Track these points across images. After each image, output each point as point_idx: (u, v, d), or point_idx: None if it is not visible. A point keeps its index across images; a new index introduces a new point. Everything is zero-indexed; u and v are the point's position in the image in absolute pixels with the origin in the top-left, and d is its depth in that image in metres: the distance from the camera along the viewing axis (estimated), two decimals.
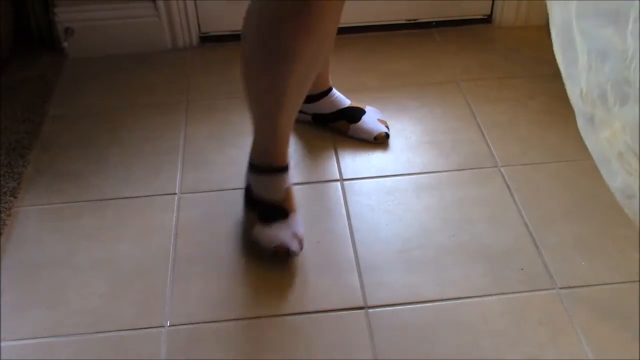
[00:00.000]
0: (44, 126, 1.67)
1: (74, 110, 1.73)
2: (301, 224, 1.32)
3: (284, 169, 1.31)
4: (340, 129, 1.59)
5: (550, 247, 1.32)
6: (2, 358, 1.14)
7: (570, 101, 0.94)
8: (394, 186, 1.47)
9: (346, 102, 1.60)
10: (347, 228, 1.37)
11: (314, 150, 1.57)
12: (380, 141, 1.58)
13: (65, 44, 1.90)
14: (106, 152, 1.58)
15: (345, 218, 1.40)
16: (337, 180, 1.49)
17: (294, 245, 1.27)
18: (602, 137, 0.91)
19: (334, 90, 1.59)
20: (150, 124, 1.67)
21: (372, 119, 1.60)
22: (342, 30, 2.01)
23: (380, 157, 1.56)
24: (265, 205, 1.30)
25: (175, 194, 1.47)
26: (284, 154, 1.30)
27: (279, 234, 1.28)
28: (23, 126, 1.65)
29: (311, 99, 1.55)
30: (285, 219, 1.29)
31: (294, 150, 1.56)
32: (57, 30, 1.91)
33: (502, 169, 1.51)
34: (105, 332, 1.18)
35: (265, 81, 1.17)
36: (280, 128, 1.25)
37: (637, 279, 1.25)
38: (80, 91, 1.81)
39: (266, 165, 1.30)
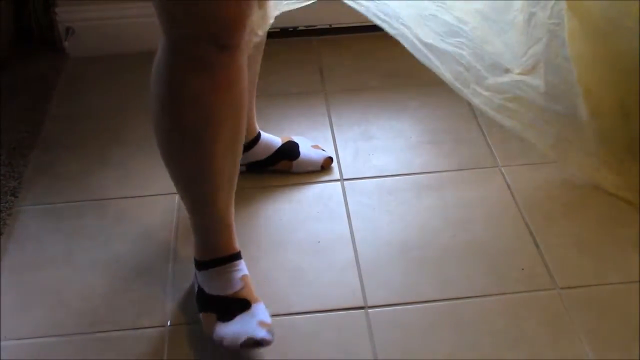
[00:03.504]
0: (45, 126, 1.67)
1: (74, 110, 1.73)
2: (266, 312, 1.15)
3: (234, 256, 1.18)
4: (283, 169, 1.48)
5: (551, 247, 1.32)
6: (2, 357, 1.14)
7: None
8: (394, 186, 1.47)
9: (277, 140, 1.48)
10: (348, 228, 1.37)
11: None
12: (327, 167, 1.51)
13: (66, 44, 1.90)
14: (107, 151, 1.58)
15: (346, 218, 1.40)
16: (337, 180, 1.49)
17: (262, 333, 1.09)
18: (480, 101, 1.33)
19: (263, 134, 1.46)
20: (151, 124, 1.67)
21: (308, 149, 1.51)
22: (343, 30, 2.01)
23: (381, 157, 1.55)
24: (223, 301, 1.15)
25: (175, 193, 1.46)
26: (231, 239, 1.18)
27: (244, 327, 1.11)
28: (24, 126, 1.65)
29: (243, 149, 1.38)
30: (248, 309, 1.14)
31: None
32: (58, 29, 1.91)
33: (502, 168, 1.51)
34: (106, 331, 1.18)
35: (191, 157, 1.06)
36: (220, 212, 1.14)
37: (637, 279, 1.25)
38: (81, 91, 1.81)
39: (214, 258, 1.17)
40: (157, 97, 1.04)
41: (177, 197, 1.45)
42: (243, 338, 1.09)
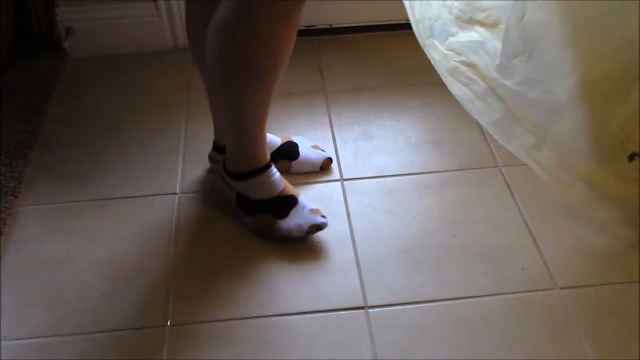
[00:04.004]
0: (45, 126, 1.67)
1: (74, 110, 1.74)
2: (309, 201, 1.35)
3: (270, 162, 1.34)
4: (282, 169, 1.44)
5: (551, 247, 1.32)
6: (2, 357, 1.14)
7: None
8: (394, 186, 1.48)
9: (277, 140, 1.50)
10: (348, 228, 1.37)
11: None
12: (326, 168, 1.51)
13: (66, 44, 1.90)
14: (107, 151, 1.58)
15: (346, 218, 1.40)
16: (337, 180, 1.49)
17: (320, 219, 1.32)
18: (436, 59, 1.27)
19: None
20: (151, 124, 1.67)
21: (308, 149, 1.52)
22: (343, 30, 2.01)
23: (381, 157, 1.56)
24: (273, 201, 1.33)
25: (175, 193, 1.47)
26: (266, 149, 1.34)
27: (303, 218, 1.32)
28: (24, 126, 1.65)
29: None
30: (297, 203, 1.33)
31: None
32: (58, 30, 1.91)
33: (502, 168, 1.51)
34: (105, 331, 1.18)
35: (263, 89, 1.21)
36: (264, 126, 1.29)
37: (637, 279, 1.25)
38: (81, 91, 1.81)
39: (258, 168, 1.32)
40: (236, 48, 1.15)
41: (176, 197, 1.45)
42: (306, 226, 1.31)
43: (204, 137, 1.60)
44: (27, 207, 1.44)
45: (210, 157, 1.51)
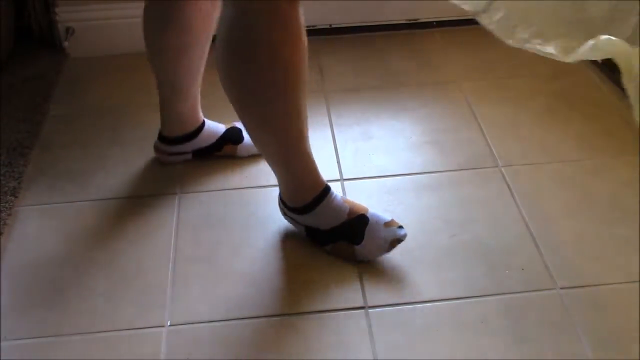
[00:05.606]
0: (45, 125, 1.67)
1: (74, 110, 1.74)
2: (378, 212, 1.29)
3: (328, 185, 1.28)
4: (228, 153, 1.53)
5: (551, 247, 1.32)
6: (2, 357, 1.14)
7: None
8: (394, 186, 1.47)
9: (221, 127, 1.53)
10: None
11: (313, 150, 1.57)
12: None
13: (66, 44, 1.90)
14: (107, 151, 1.58)
15: None
16: (337, 180, 1.49)
17: (400, 233, 1.27)
18: None
19: (207, 121, 1.51)
20: (151, 124, 1.67)
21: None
22: (342, 30, 2.01)
23: (381, 157, 1.55)
24: (345, 227, 1.27)
25: (175, 193, 1.47)
26: (319, 172, 1.27)
27: (380, 236, 1.27)
28: (24, 125, 1.65)
29: (188, 137, 1.49)
30: (368, 221, 1.27)
31: None
32: (58, 29, 1.91)
33: (502, 169, 1.51)
34: (105, 331, 1.18)
35: (289, 105, 1.14)
36: (309, 147, 1.23)
37: (637, 279, 1.25)
38: (81, 90, 1.81)
39: (317, 196, 1.26)
40: (242, 57, 1.09)
41: (176, 197, 1.45)
42: (387, 245, 1.27)
43: None
44: (27, 207, 1.44)
45: (156, 147, 1.53)
